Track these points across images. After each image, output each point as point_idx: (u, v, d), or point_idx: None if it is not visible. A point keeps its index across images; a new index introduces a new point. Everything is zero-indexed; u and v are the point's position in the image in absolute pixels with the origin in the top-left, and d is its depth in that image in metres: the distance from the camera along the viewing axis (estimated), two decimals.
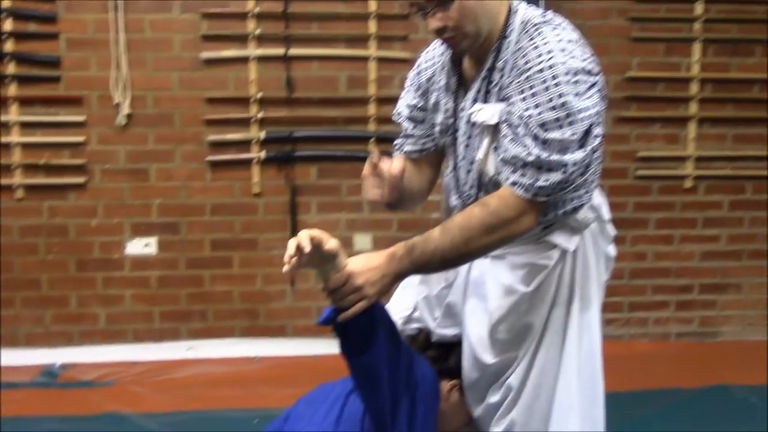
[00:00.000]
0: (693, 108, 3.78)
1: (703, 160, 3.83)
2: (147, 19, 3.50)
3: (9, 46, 3.44)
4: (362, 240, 3.71)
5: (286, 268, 1.44)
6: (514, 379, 1.85)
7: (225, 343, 3.73)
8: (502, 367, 1.85)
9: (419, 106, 1.93)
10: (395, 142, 2.03)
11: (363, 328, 1.56)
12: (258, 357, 3.67)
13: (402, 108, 1.98)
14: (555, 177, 1.57)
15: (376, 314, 1.57)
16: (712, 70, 3.76)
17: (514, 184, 1.60)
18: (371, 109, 3.65)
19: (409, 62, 3.55)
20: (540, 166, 1.57)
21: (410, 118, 1.96)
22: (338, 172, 3.70)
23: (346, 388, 1.83)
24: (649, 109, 3.78)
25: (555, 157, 1.56)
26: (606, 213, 1.92)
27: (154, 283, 3.69)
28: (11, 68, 3.46)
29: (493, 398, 1.88)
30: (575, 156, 1.57)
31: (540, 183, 1.58)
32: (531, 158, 1.57)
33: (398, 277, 1.59)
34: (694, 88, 3.76)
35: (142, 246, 3.65)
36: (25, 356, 3.60)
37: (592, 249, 1.87)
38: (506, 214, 1.60)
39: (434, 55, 1.89)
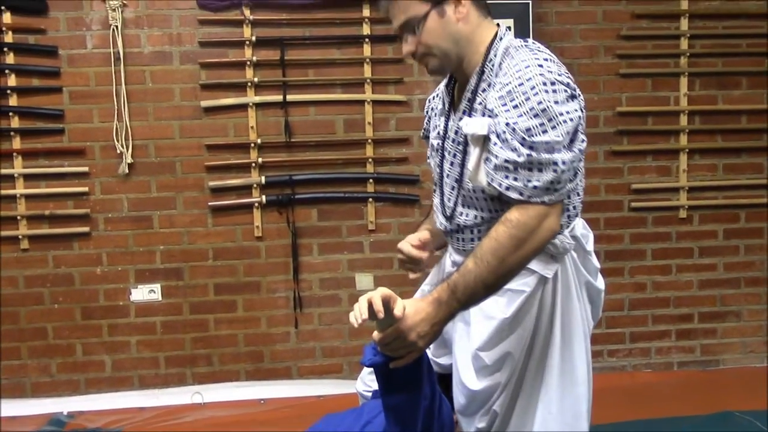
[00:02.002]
0: (683, 140, 3.86)
1: (696, 191, 3.90)
2: (147, 70, 3.59)
3: (13, 100, 3.53)
4: (364, 280, 3.76)
5: (355, 324, 1.49)
6: (498, 406, 1.87)
7: (231, 387, 3.75)
8: (488, 393, 1.87)
9: (426, 134, 2.13)
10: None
11: (408, 373, 1.59)
12: (264, 399, 3.68)
13: (422, 131, 2.19)
14: (547, 176, 1.63)
15: (422, 360, 1.61)
16: (699, 103, 3.85)
17: (508, 188, 1.66)
18: (368, 151, 3.72)
19: (403, 104, 3.66)
20: (531, 166, 1.63)
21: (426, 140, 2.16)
22: (338, 213, 3.76)
23: (358, 421, 1.85)
24: (640, 143, 3.86)
25: (545, 156, 1.63)
26: (590, 245, 1.94)
27: (159, 328, 3.72)
28: (15, 122, 3.54)
29: (481, 424, 1.90)
30: (563, 156, 1.64)
31: (533, 183, 1.63)
32: (522, 159, 1.63)
33: (447, 320, 1.64)
34: (683, 121, 3.85)
35: (146, 292, 3.69)
36: (32, 406, 3.61)
37: (573, 277, 1.89)
38: (529, 223, 1.64)
39: (439, 87, 2.05)
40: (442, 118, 1.94)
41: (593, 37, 3.78)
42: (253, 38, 3.59)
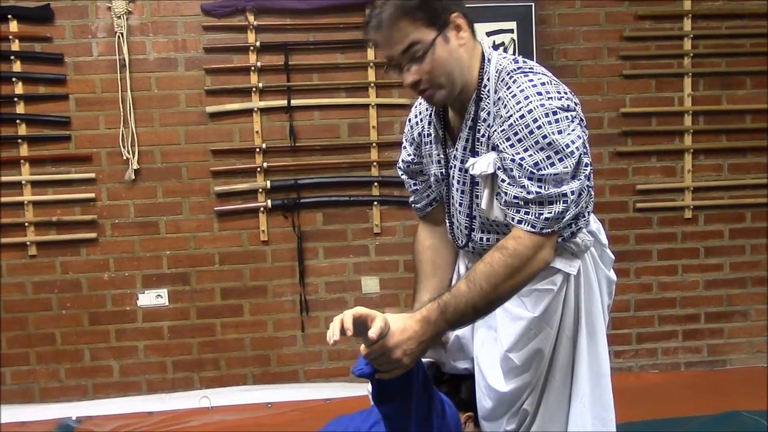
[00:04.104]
0: (687, 140, 3.86)
1: (701, 191, 3.90)
2: (153, 76, 3.61)
3: (20, 108, 3.55)
4: (370, 283, 3.77)
5: (330, 342, 1.47)
6: (528, 405, 1.89)
7: (238, 391, 3.76)
8: (517, 393, 1.89)
9: (415, 160, 2.03)
10: (410, 200, 2.13)
11: (398, 383, 1.59)
12: (271, 403, 3.69)
13: (401, 163, 2.08)
14: (557, 207, 1.66)
15: (412, 371, 1.61)
16: (703, 103, 3.85)
17: (520, 222, 1.68)
18: (373, 154, 3.74)
19: (407, 107, 3.65)
20: (541, 201, 1.66)
21: (409, 173, 2.06)
22: (343, 217, 3.77)
23: (366, 421, 1.86)
24: (644, 143, 3.86)
25: (553, 190, 1.65)
26: (603, 238, 1.98)
27: (166, 333, 3.74)
28: (22, 129, 3.56)
29: (510, 425, 1.92)
30: (572, 186, 1.67)
31: (545, 215, 1.66)
32: (531, 195, 1.65)
33: (435, 339, 1.64)
34: (687, 121, 3.85)
35: (153, 297, 3.71)
36: (41, 411, 3.62)
37: (593, 273, 1.93)
38: (525, 252, 1.66)
39: (422, 110, 1.98)
40: (439, 146, 1.92)
41: (596, 39, 3.78)
42: (258, 43, 3.61)
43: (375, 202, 3.76)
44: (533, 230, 1.67)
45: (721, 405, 3.45)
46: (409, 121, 2.02)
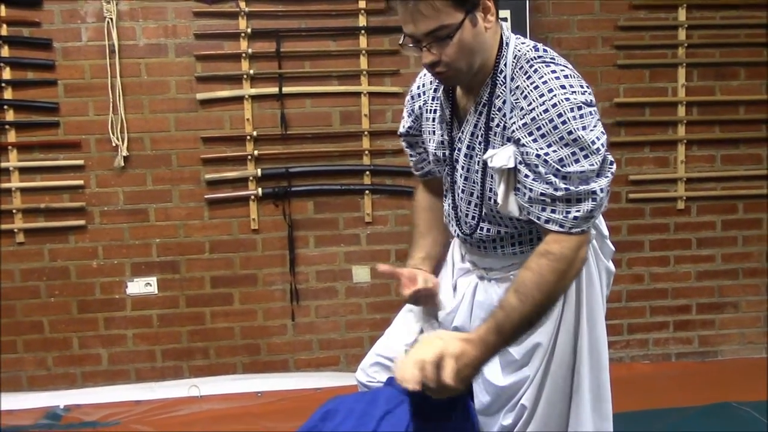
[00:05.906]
0: (681, 131, 3.85)
1: (694, 182, 3.89)
2: (143, 62, 3.57)
3: (8, 93, 3.51)
4: (361, 272, 3.75)
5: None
6: (526, 400, 1.86)
7: (228, 380, 3.74)
8: (515, 388, 1.87)
9: (412, 132, 2.02)
10: (411, 162, 2.16)
11: (444, 401, 1.55)
12: (261, 392, 3.67)
13: (401, 128, 2.07)
14: (587, 206, 1.60)
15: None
16: (697, 94, 3.84)
17: (548, 221, 1.62)
18: (365, 143, 3.71)
19: (400, 96, 3.65)
20: (569, 198, 1.60)
21: (407, 142, 2.08)
22: (334, 205, 3.75)
23: (373, 407, 1.69)
24: (637, 134, 3.85)
25: (582, 187, 1.59)
26: (605, 229, 1.95)
27: (155, 322, 3.72)
28: (10, 115, 3.52)
29: (507, 420, 1.89)
30: (600, 183, 1.61)
31: (573, 214, 1.60)
32: (559, 193, 1.59)
33: (490, 359, 1.60)
34: (681, 112, 3.83)
35: (142, 285, 3.68)
36: (29, 399, 3.60)
37: (594, 265, 1.89)
38: (570, 255, 1.61)
39: (425, 83, 1.93)
40: (443, 126, 1.86)
41: (590, 28, 3.76)
42: (249, 30, 3.57)
43: (367, 191, 3.73)
44: (561, 230, 1.61)
45: (712, 396, 3.46)
46: (411, 91, 1.99)
